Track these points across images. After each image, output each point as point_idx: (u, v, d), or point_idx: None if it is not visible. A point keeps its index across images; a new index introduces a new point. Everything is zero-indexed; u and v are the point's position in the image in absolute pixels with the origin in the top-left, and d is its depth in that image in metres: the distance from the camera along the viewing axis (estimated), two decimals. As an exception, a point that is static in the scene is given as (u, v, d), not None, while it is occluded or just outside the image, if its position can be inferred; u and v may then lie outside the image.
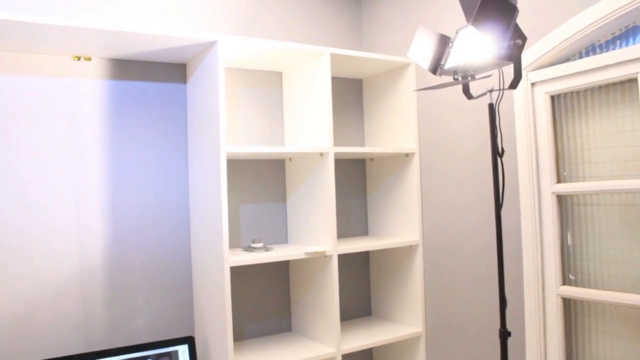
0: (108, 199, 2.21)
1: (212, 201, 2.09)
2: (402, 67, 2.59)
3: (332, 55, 2.35)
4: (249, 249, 2.31)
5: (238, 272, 2.46)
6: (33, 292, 2.07)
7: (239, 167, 2.48)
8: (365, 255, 2.85)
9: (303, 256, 2.19)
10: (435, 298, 2.49)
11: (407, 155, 2.58)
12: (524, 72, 2.08)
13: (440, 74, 1.86)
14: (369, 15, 2.87)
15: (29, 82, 2.09)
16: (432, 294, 2.51)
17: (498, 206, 1.76)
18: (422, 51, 1.86)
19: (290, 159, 2.54)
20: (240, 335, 2.46)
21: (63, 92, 2.15)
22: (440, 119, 2.45)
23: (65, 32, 1.86)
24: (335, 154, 2.40)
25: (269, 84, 2.59)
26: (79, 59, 2.20)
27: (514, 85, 1.69)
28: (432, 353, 2.51)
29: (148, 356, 2.05)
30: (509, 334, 1.74)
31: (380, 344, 2.38)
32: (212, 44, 2.09)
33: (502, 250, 1.76)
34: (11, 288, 2.03)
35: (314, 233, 2.37)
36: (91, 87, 2.20)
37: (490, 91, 1.79)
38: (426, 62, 1.85)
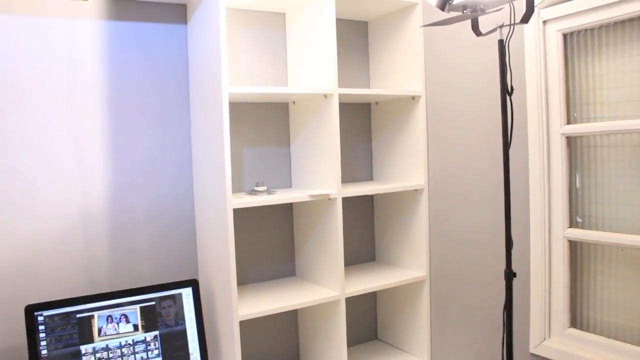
0: (109, 144, 2.17)
1: (214, 144, 2.06)
2: (409, 7, 2.51)
3: (336, -6, 2.27)
4: (253, 192, 2.29)
5: (241, 216, 2.44)
6: (37, 237, 2.06)
7: (241, 111, 2.43)
8: (369, 201, 2.83)
9: (307, 199, 2.17)
10: (440, 242, 2.48)
11: (413, 98, 2.52)
12: (535, 10, 2.00)
13: (449, 10, 1.78)
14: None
15: (25, 21, 2.02)
16: (436, 238, 2.50)
17: (506, 145, 1.72)
18: (430, -14, 1.78)
19: (294, 102, 2.49)
20: (244, 280, 2.47)
21: (60, 33, 2.08)
22: (447, 58, 2.38)
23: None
24: (340, 96, 2.35)
25: (271, 25, 2.51)
26: (75, -3, 2.13)
27: (525, 19, 1.63)
28: (437, 297, 2.52)
29: (152, 298, 2.05)
30: (514, 274, 1.73)
31: (384, 287, 2.38)
32: (211, -20, 2.01)
33: (509, 190, 1.73)
34: (15, 234, 2.02)
35: (318, 177, 2.34)
36: (89, 28, 2.13)
37: (501, 27, 1.72)
38: (434, -3, 1.78)
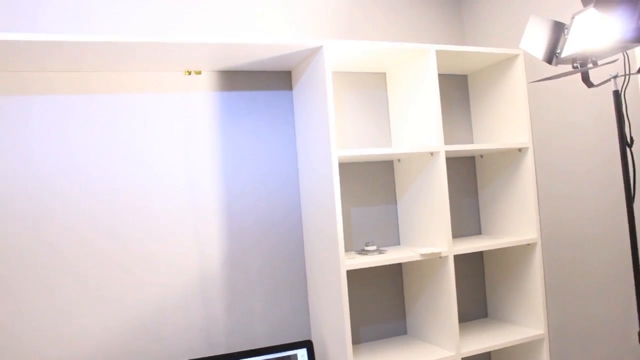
0: (223, 207, 2.28)
1: (324, 206, 2.11)
2: (510, 59, 2.49)
3: (437, 52, 2.30)
4: (363, 252, 2.31)
5: (351, 276, 2.46)
6: (160, 297, 2.18)
7: (347, 170, 2.49)
8: (479, 255, 2.77)
9: (418, 258, 2.16)
10: (558, 298, 2.37)
11: (519, 150, 2.48)
12: (649, 55, 1.93)
13: (556, 64, 1.77)
14: (469, 8, 2.78)
15: (146, 98, 2.21)
16: (553, 294, 2.39)
17: (629, 199, 1.65)
18: (535, 41, 1.78)
19: (399, 160, 2.51)
20: (356, 339, 2.46)
21: (176, 106, 2.25)
22: (554, 110, 2.33)
23: (178, 48, 1.94)
24: (445, 152, 2.34)
25: (372, 86, 2.58)
26: (189, 73, 2.29)
27: (643, 69, 1.58)
28: (557, 358, 2.39)
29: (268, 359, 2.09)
30: (649, 336, 1.62)
31: (502, 346, 2.29)
32: (317, 49, 2.10)
33: (637, 245, 1.64)
34: (141, 294, 2.15)
35: (427, 234, 2.33)
36: (202, 99, 2.29)
37: (615, 77, 1.68)
38: (540, 51, 1.77)
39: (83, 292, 2.09)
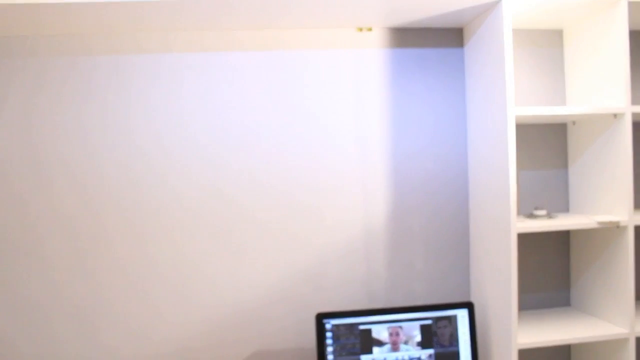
0: (390, 164, 2.29)
1: (496, 167, 2.04)
2: None
3: (631, 4, 2.10)
4: (532, 216, 2.21)
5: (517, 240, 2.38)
6: (325, 251, 2.26)
7: (517, 133, 2.38)
8: (657, 230, 2.55)
9: (595, 225, 2.02)
10: None
11: None
12: None
13: None
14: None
15: (318, 55, 2.25)
16: None
17: None
18: None
19: (573, 123, 2.36)
20: (518, 306, 2.39)
21: (348, 63, 2.27)
22: None
23: (350, 3, 1.95)
24: (633, 114, 2.16)
25: (547, 44, 2.42)
26: (361, 30, 2.30)
27: None
28: None
29: (429, 317, 2.10)
30: None
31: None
32: (494, 4, 2.01)
33: None
34: (308, 247, 2.24)
35: (602, 202, 2.18)
36: (373, 56, 2.29)
37: None
38: None
39: (261, 239, 2.23)
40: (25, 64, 2.13)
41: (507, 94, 1.94)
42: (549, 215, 2.21)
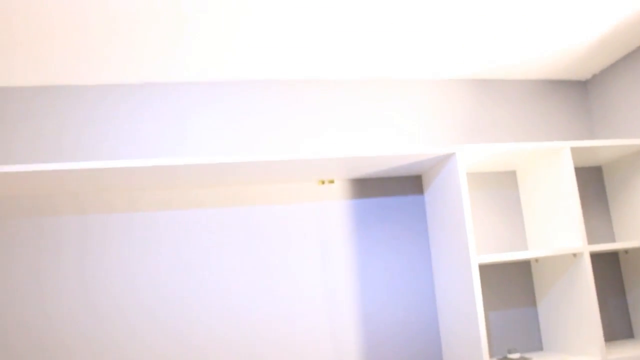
0: (358, 313, 2.29)
1: (465, 312, 2.06)
2: (652, 151, 2.38)
3: (572, 149, 2.25)
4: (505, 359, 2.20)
5: (493, 384, 2.34)
6: (300, 406, 2.18)
7: (481, 274, 2.43)
8: (632, 361, 2.54)
9: (569, 369, 2.02)
10: None
11: (671, 246, 2.31)
12: None
13: None
14: (598, 100, 2.71)
15: (281, 210, 2.32)
16: None
17: None
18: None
19: (536, 260, 2.42)
20: None
21: (311, 215, 2.34)
22: None
23: (314, 163, 2.04)
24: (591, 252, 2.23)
25: (502, 185, 2.55)
26: (323, 183, 2.39)
27: None
28: None
29: None
30: None
31: None
32: (450, 155, 2.13)
33: None
34: (281, 403, 2.16)
35: (574, 339, 2.19)
36: (336, 208, 2.37)
37: None
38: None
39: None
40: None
41: (469, 244, 2.00)
42: (523, 359, 2.20)
